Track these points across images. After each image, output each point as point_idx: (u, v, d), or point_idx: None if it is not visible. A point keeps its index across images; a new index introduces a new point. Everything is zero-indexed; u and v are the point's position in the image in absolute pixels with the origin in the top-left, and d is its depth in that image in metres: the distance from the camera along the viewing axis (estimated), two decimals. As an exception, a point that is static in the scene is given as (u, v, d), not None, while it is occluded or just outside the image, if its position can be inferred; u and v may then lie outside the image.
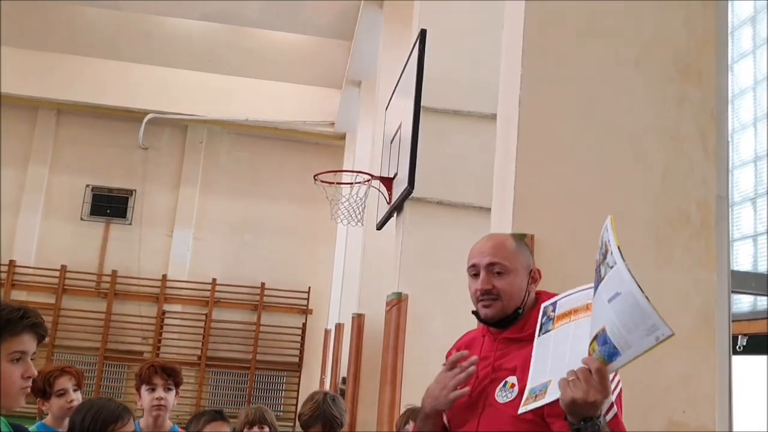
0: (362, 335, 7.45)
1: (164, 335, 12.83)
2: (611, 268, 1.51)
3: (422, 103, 4.82)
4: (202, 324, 13.00)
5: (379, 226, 6.04)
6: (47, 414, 2.84)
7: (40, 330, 1.69)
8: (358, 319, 7.59)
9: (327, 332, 11.91)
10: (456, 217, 4.80)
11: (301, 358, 13.00)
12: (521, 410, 1.63)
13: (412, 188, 4.74)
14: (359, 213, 5.78)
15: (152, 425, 2.79)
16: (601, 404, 1.48)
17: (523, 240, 2.07)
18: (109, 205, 13.28)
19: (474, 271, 1.89)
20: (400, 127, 5.34)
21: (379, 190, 5.63)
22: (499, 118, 2.89)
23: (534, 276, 1.89)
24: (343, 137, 12.85)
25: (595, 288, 1.57)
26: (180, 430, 2.85)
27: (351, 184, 5.61)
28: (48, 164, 13.26)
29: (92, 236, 13.14)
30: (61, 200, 13.16)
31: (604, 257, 1.56)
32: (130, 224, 13.24)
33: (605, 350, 1.46)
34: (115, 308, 12.82)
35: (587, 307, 1.60)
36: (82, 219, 13.15)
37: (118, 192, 13.35)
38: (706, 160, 2.52)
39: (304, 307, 13.30)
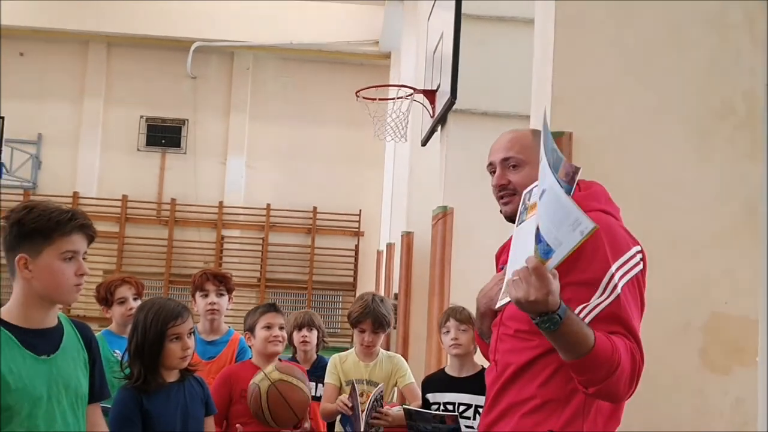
0: (411, 252, 7.57)
1: (224, 259, 13.29)
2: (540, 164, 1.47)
3: (463, 11, 4.70)
4: (259, 248, 13.41)
5: (424, 142, 6.02)
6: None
7: (89, 231, 1.80)
8: (407, 237, 7.70)
9: (379, 253, 12.13)
10: (500, 127, 4.69)
11: (355, 278, 13.33)
12: (496, 306, 1.64)
13: (455, 99, 4.69)
14: (403, 128, 5.76)
15: (209, 329, 2.95)
16: (547, 302, 1.42)
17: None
18: (164, 135, 13.58)
19: (491, 169, 1.85)
20: (441, 37, 5.24)
21: (423, 105, 5.59)
22: (537, 16, 2.81)
23: None
24: (388, 56, 12.67)
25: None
26: (235, 333, 3.01)
27: (394, 99, 5.57)
28: (102, 98, 13.57)
29: (150, 166, 13.52)
30: (118, 132, 13.51)
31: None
32: (185, 153, 13.55)
33: (541, 248, 1.43)
34: (176, 235, 13.30)
35: (535, 205, 1.54)
36: (138, 150, 13.51)
37: (171, 122, 13.61)
38: (753, 48, 2.41)
39: (356, 230, 13.52)
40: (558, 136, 2.39)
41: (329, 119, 13.44)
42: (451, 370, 2.79)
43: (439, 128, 5.52)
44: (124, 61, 13.63)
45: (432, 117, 5.49)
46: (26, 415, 1.69)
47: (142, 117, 13.55)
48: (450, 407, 2.61)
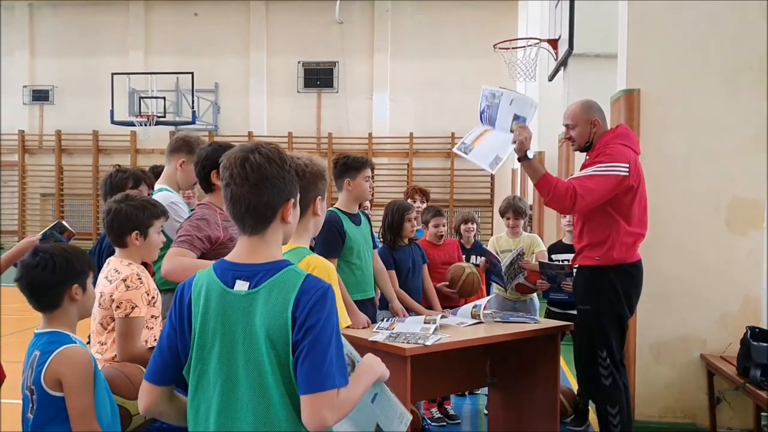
0: (543, 169, 8.96)
1: (376, 184, 15.16)
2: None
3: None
4: (405, 172, 15.20)
5: (550, 78, 7.38)
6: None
7: (373, 165, 3.53)
8: (539, 157, 9.07)
9: (514, 171, 13.51)
10: (609, 66, 6.00)
11: (491, 195, 14.84)
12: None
13: (572, 49, 6.02)
14: (532, 71, 7.11)
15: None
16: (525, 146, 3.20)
17: (590, 102, 3.38)
18: (318, 77, 15.51)
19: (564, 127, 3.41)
20: (561, -4, 6.51)
21: (548, 51, 6.91)
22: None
23: (593, 123, 3.26)
24: (516, -11, 13.64)
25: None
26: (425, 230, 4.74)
27: (524, 47, 6.93)
28: (265, 48, 15.63)
29: (308, 106, 15.56)
30: (280, 78, 15.59)
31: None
32: (337, 92, 15.44)
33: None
34: (334, 164, 15.35)
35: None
36: (298, 92, 15.56)
37: (324, 65, 15.48)
38: (766, 25, 3.67)
39: (492, 152, 14.90)
40: (630, 92, 3.81)
41: (461, 51, 14.69)
42: (566, 240, 4.37)
43: (562, 68, 6.86)
44: (281, 14, 15.58)
45: (555, 60, 6.83)
46: (356, 251, 3.47)
47: (299, 62, 15.54)
48: (566, 261, 4.18)
